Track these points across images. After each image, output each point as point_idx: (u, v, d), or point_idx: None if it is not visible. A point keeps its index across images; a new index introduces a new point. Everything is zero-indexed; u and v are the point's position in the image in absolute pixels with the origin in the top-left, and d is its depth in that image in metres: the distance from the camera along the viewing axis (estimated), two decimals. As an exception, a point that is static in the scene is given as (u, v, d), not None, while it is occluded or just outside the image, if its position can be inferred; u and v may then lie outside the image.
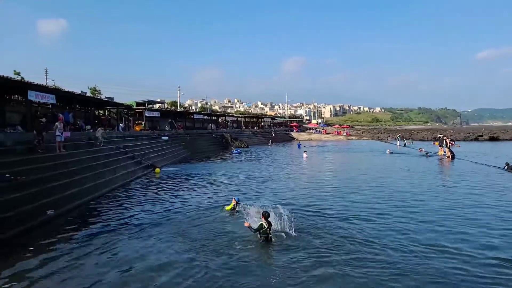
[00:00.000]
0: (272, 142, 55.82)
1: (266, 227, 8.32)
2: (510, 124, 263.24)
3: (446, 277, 6.46)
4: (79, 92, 28.38)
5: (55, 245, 8.41)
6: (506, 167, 20.60)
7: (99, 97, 41.57)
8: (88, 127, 24.96)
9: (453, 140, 33.87)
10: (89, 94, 37.53)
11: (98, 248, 8.23)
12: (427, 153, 30.70)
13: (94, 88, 52.92)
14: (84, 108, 30.88)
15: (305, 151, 32.52)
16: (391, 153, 33.54)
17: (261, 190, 15.56)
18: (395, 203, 12.41)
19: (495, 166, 22.12)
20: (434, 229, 9.25)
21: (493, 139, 56.32)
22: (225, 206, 11.82)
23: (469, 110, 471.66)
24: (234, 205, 11.57)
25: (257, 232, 8.40)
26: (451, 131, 73.74)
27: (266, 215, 8.52)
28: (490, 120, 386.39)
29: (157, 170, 21.65)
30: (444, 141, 31.43)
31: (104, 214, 11.44)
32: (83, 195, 13.02)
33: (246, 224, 8.63)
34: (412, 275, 6.56)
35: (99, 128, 21.37)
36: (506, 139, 56.17)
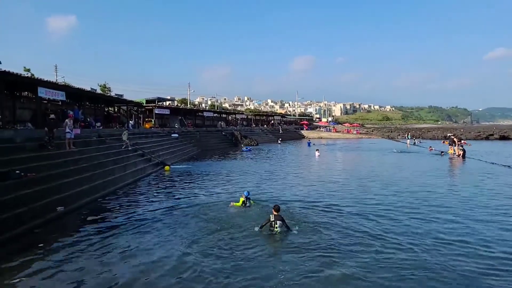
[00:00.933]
0: (281, 140, 55.19)
1: (272, 219, 8.32)
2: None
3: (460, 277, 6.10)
4: (89, 89, 28.38)
5: (64, 242, 8.28)
6: None
7: (108, 94, 41.68)
8: (98, 124, 24.91)
9: (461, 139, 33.44)
10: (99, 91, 37.54)
11: (108, 244, 8.07)
12: (441, 152, 30.02)
13: (104, 85, 53.12)
14: (94, 105, 30.90)
15: (317, 149, 32.10)
16: (400, 152, 33.01)
17: (273, 188, 15.23)
18: (406, 202, 11.98)
19: (505, 165, 21.49)
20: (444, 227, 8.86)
21: (503, 138, 54.99)
22: (233, 203, 11.45)
23: (480, 109, 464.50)
24: (244, 200, 11.27)
25: (263, 226, 8.49)
26: (462, 130, 72.78)
27: (276, 208, 8.62)
28: (501, 119, 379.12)
29: (167, 167, 21.53)
30: (453, 140, 30.83)
31: (113, 211, 11.29)
32: (93, 192, 12.89)
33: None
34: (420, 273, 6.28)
35: (125, 131, 21.37)
36: (517, 138, 54.85)
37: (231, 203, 11.46)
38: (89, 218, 10.26)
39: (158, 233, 8.87)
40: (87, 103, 29.50)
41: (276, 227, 8.31)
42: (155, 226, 9.51)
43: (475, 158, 25.94)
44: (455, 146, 29.37)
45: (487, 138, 55.67)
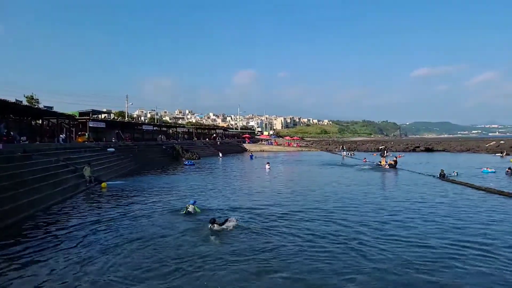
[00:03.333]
0: (221, 154, 53.13)
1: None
2: (442, 136, 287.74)
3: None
4: (13, 100, 26.07)
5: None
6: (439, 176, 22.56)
7: (36, 106, 38.62)
8: (24, 138, 22.90)
9: (387, 151, 37.42)
10: (25, 103, 34.66)
11: (32, 269, 7.48)
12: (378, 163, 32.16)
13: (31, 96, 49.04)
14: (19, 118, 28.44)
15: (268, 162, 32.32)
16: (341, 164, 34.28)
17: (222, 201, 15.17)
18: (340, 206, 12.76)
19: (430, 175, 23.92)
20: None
21: (428, 150, 61.09)
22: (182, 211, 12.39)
23: (408, 123, 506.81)
24: (188, 208, 12.23)
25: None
26: (392, 143, 78.85)
27: (212, 221, 10.25)
28: (425, 133, 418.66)
29: (103, 184, 20.28)
30: (384, 152, 33.80)
31: (38, 232, 10.44)
32: (15, 212, 11.80)
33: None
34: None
35: (85, 166, 20.43)
36: (439, 150, 61.76)
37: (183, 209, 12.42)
38: (10, 242, 9.39)
39: (87, 251, 8.48)
40: (12, 115, 27.09)
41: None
42: (85, 244, 9.05)
43: (405, 169, 28.36)
44: (384, 156, 32.02)
45: (414, 150, 61.04)
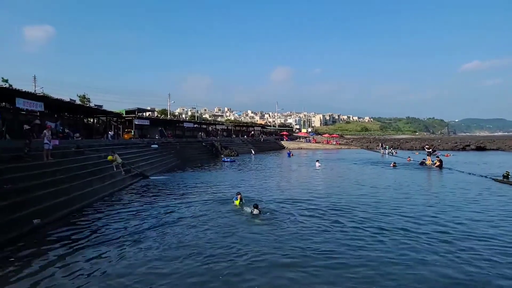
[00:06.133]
0: (254, 151, 53.18)
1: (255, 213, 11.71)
2: (496, 134, 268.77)
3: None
4: (68, 100, 28.17)
5: (39, 255, 8.26)
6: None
7: (88, 105, 41.27)
8: (77, 135, 24.74)
9: (435, 150, 35.59)
10: (78, 102, 37.21)
11: (85, 258, 8.13)
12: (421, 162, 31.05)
13: (84, 96, 52.62)
14: (73, 116, 30.64)
15: (317, 160, 32.16)
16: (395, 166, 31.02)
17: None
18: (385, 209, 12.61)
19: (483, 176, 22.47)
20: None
21: (480, 148, 57.35)
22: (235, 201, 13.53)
23: (457, 120, 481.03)
24: (239, 201, 13.35)
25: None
26: (439, 141, 75.01)
27: (255, 206, 11.98)
28: (477, 130, 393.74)
29: (110, 157, 20.45)
30: (430, 151, 32.39)
31: (91, 223, 11.27)
32: (70, 204, 12.87)
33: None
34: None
35: (115, 154, 20.76)
36: (493, 149, 57.33)
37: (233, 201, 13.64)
38: (65, 231, 10.25)
39: (136, 244, 9.01)
40: (66, 114, 29.25)
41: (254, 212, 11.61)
42: (133, 237, 9.65)
43: (453, 168, 27.09)
44: (429, 156, 30.85)
45: (463, 149, 57.60)
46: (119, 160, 20.57)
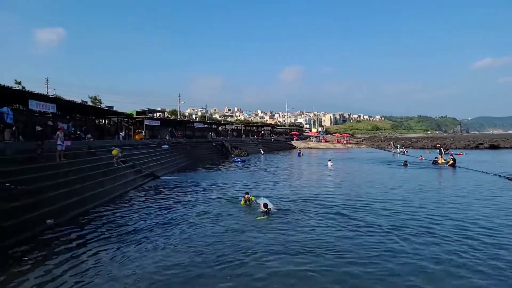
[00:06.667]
0: (263, 151, 52.58)
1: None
2: (510, 132, 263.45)
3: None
4: (79, 101, 28.49)
5: (52, 255, 8.31)
6: None
7: (99, 106, 41.72)
8: (89, 135, 24.98)
9: (447, 149, 35.16)
10: (89, 103, 37.63)
11: (98, 258, 8.16)
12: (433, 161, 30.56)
13: (95, 97, 53.21)
14: (84, 117, 30.96)
15: (329, 160, 31.51)
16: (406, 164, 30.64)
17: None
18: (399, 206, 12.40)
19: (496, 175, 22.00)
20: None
21: (493, 147, 56.31)
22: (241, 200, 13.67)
23: (469, 119, 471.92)
24: (246, 200, 13.44)
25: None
26: (452, 139, 73.86)
27: (264, 205, 11.96)
28: (490, 128, 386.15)
29: (114, 151, 20.39)
30: (440, 150, 32.08)
31: (103, 223, 11.34)
32: (82, 204, 12.97)
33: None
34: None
35: (113, 146, 20.78)
36: (507, 147, 56.26)
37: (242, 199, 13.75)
38: (77, 231, 10.31)
39: (148, 244, 9.02)
40: (78, 115, 29.57)
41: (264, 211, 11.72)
42: (146, 237, 9.66)
43: (465, 167, 26.62)
44: (441, 155, 30.42)
45: (477, 147, 56.71)
46: (120, 154, 20.54)
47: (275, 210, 12.23)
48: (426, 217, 11.37)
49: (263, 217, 11.47)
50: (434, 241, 8.90)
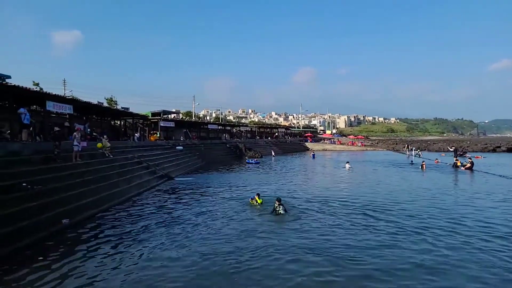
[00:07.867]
0: (274, 153, 52.60)
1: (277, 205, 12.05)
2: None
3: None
4: (95, 102, 28.80)
5: (67, 255, 8.30)
6: None
7: (115, 107, 42.19)
8: (105, 136, 25.18)
9: (464, 152, 34.53)
10: (105, 104, 38.04)
11: (113, 258, 8.11)
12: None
13: (111, 98, 53.83)
14: (100, 118, 31.30)
15: (347, 162, 30.93)
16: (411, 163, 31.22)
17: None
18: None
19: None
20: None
21: (511, 150, 54.60)
22: (252, 200, 13.79)
23: (486, 121, 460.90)
24: (256, 200, 13.58)
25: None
26: (468, 142, 72.11)
27: (278, 199, 12.39)
28: (508, 131, 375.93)
29: (99, 144, 19.77)
30: (457, 152, 31.54)
31: (118, 223, 11.32)
32: (98, 204, 12.99)
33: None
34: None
35: (103, 138, 20.39)
36: (526, 151, 54.29)
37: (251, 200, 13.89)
38: (94, 231, 10.32)
39: (162, 244, 8.94)
40: (94, 116, 29.90)
41: (279, 211, 11.94)
42: (160, 237, 9.58)
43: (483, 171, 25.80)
44: (456, 157, 29.86)
45: (494, 150, 55.04)
46: (108, 144, 19.85)
47: (284, 212, 12.08)
48: (447, 219, 10.94)
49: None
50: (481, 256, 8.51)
